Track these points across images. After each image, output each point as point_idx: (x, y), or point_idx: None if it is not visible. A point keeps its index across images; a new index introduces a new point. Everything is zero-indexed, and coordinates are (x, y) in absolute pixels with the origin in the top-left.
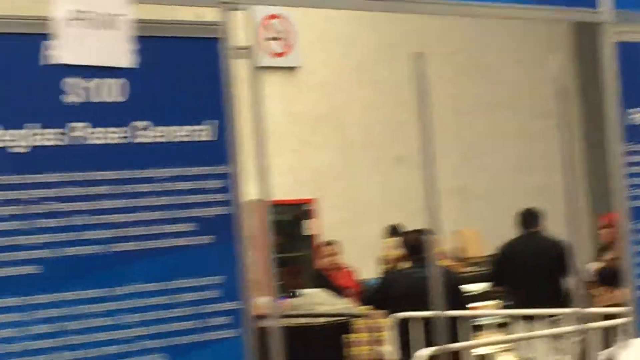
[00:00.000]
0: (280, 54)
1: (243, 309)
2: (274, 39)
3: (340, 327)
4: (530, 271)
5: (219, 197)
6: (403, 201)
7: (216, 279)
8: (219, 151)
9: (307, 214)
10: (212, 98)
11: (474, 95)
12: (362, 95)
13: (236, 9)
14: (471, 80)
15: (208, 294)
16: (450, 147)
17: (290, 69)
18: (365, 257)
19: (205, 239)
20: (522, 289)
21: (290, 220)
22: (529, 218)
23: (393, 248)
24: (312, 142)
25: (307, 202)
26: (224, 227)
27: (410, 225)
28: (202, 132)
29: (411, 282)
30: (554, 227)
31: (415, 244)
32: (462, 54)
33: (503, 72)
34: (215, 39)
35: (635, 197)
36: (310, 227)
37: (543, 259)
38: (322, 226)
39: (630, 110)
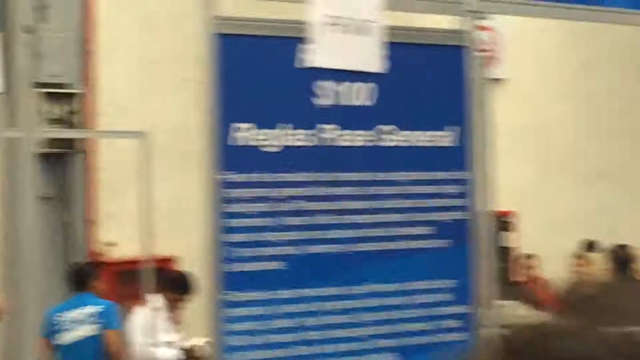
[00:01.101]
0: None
1: (472, 314)
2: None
3: None
4: None
5: (456, 202)
6: (600, 217)
7: (449, 283)
8: (459, 157)
9: (505, 226)
10: (455, 105)
11: None
12: (565, 108)
13: (483, 19)
14: None
15: (441, 297)
16: None
17: (497, 80)
18: (561, 271)
19: (441, 243)
20: None
21: None
22: None
23: (591, 263)
24: (513, 154)
25: (506, 214)
26: (459, 232)
27: (606, 241)
28: (444, 138)
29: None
30: None
31: (624, 259)
32: None
33: None
34: (460, 47)
35: None
36: (508, 239)
37: None
38: (520, 239)
39: None
